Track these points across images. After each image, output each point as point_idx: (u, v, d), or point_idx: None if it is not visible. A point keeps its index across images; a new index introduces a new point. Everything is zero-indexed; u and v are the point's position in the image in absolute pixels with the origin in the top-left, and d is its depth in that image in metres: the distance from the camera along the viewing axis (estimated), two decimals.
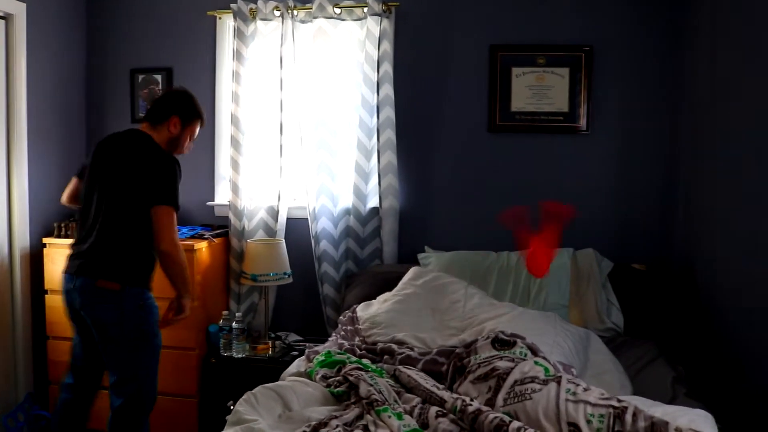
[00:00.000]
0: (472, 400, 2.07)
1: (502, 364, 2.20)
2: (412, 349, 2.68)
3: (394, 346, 2.70)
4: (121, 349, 2.81)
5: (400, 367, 2.45)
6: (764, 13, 2.59)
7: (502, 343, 2.37)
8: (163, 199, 2.71)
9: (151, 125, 2.89)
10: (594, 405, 1.84)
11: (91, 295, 2.76)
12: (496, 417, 1.90)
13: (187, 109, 2.94)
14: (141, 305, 2.80)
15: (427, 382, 2.27)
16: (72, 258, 2.85)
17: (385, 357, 2.65)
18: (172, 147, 2.91)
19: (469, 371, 2.29)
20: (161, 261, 2.80)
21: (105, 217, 2.76)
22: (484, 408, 1.99)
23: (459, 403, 2.04)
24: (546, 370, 2.07)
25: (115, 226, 2.75)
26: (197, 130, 3.02)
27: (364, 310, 3.16)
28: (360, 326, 3.02)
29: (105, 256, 2.75)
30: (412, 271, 3.36)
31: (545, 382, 2.00)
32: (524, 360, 2.22)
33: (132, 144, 2.82)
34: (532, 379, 2.05)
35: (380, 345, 2.76)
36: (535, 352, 2.32)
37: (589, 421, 1.81)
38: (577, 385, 1.94)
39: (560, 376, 1.99)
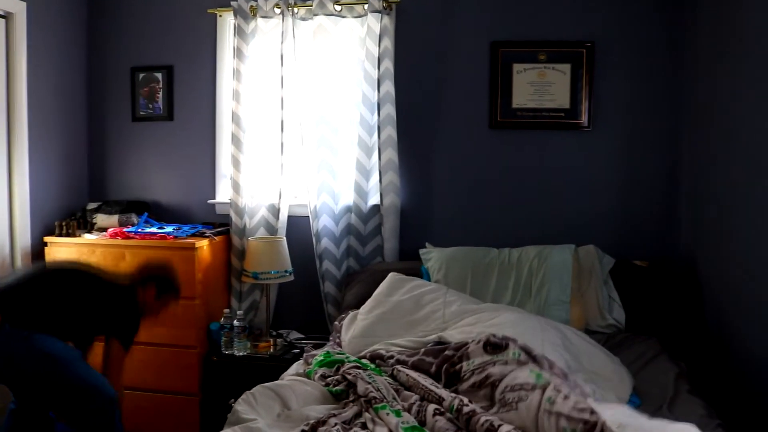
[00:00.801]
0: (469, 401, 2.06)
1: (496, 371, 2.17)
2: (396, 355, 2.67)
3: (383, 352, 2.68)
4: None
5: (398, 366, 2.45)
6: (766, 8, 2.57)
7: (494, 346, 2.32)
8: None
9: None
10: (568, 418, 1.81)
11: None
12: (487, 420, 1.89)
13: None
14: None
15: (426, 380, 2.26)
16: None
17: (377, 361, 2.64)
18: None
19: (463, 378, 2.26)
20: None
21: None
22: (479, 410, 1.98)
23: (456, 402, 2.03)
24: (538, 376, 2.04)
25: None
26: None
27: (345, 332, 3.10)
28: (344, 348, 2.99)
29: None
30: (386, 283, 3.28)
31: (533, 389, 1.98)
32: (521, 364, 2.18)
33: None
34: (521, 387, 2.01)
35: (368, 354, 2.74)
36: (529, 352, 2.29)
37: None
38: (559, 392, 1.90)
39: (548, 384, 1.97)
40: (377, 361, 2.62)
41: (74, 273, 2.89)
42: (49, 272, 2.92)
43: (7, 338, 2.60)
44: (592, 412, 1.78)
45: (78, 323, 2.78)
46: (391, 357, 2.59)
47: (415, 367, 2.47)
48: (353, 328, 3.05)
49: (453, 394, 2.13)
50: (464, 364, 2.32)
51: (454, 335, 2.68)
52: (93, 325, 2.82)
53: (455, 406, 2.02)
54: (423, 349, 2.58)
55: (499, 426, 1.85)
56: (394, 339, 2.84)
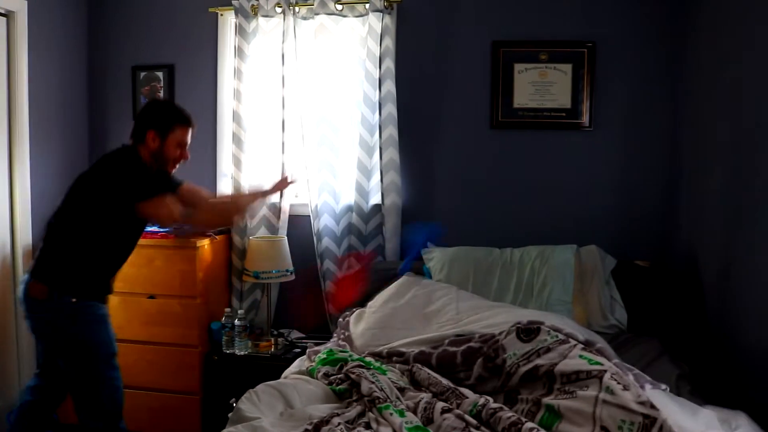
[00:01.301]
0: (495, 401, 2.06)
1: (543, 360, 2.15)
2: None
3: (403, 349, 2.67)
4: (64, 362, 2.75)
5: (417, 365, 2.44)
6: (766, 9, 2.58)
7: (527, 332, 2.31)
8: (136, 198, 2.62)
9: (135, 143, 2.80)
10: (628, 411, 1.80)
11: (26, 305, 2.72)
12: (512, 416, 1.89)
13: (160, 120, 2.78)
14: (72, 316, 2.69)
15: (446, 380, 2.26)
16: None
17: (394, 358, 2.63)
18: (160, 161, 2.80)
19: (509, 372, 2.22)
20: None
21: (54, 223, 2.74)
22: (506, 408, 1.98)
23: (482, 401, 2.03)
24: (589, 360, 2.05)
25: (57, 232, 2.72)
26: (185, 135, 2.84)
27: (355, 326, 3.09)
28: (355, 344, 2.96)
29: (40, 260, 2.72)
30: (398, 282, 3.29)
31: (588, 376, 1.97)
32: (562, 343, 2.18)
33: (110, 155, 2.76)
34: (577, 375, 2.00)
35: (385, 351, 2.73)
36: (560, 330, 2.29)
37: (620, 427, 1.79)
38: (617, 382, 1.90)
39: (604, 371, 1.97)
40: (394, 358, 2.61)
41: None
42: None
43: (57, 306, 2.67)
44: (652, 406, 1.78)
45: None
46: (412, 350, 2.57)
47: (440, 359, 2.46)
48: (365, 320, 3.04)
49: (477, 394, 2.13)
50: (506, 357, 2.28)
51: (475, 329, 2.66)
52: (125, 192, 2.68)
53: (478, 404, 2.01)
54: (447, 340, 2.56)
55: (525, 422, 1.85)
56: (410, 330, 2.84)
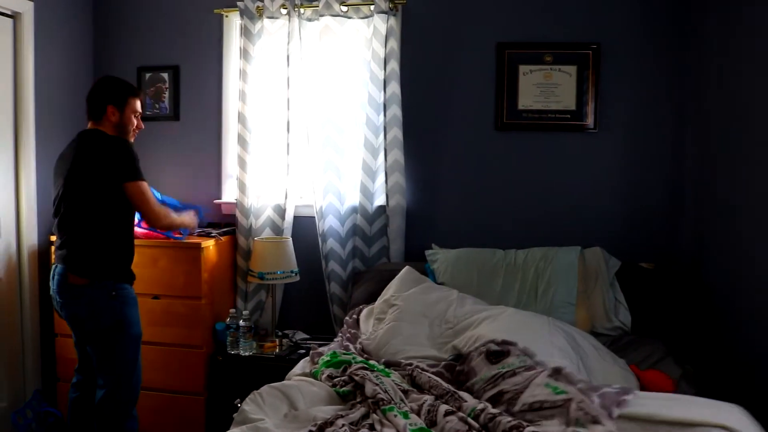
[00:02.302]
0: (494, 407, 2.06)
1: (507, 386, 2.16)
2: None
3: (402, 361, 2.68)
4: (98, 343, 2.90)
5: (420, 365, 2.45)
6: None
7: (496, 354, 2.33)
8: (128, 177, 2.81)
9: (95, 122, 2.97)
10: None
11: (65, 293, 2.86)
12: (511, 420, 1.89)
13: (116, 93, 2.96)
14: (114, 296, 2.86)
15: (447, 384, 2.27)
16: (55, 250, 2.98)
17: (392, 367, 2.64)
18: (122, 132, 2.97)
19: (477, 397, 2.23)
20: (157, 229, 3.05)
21: (68, 217, 2.87)
22: (504, 414, 1.98)
23: (480, 405, 2.03)
24: (554, 389, 2.04)
25: (78, 224, 2.85)
26: (137, 105, 3.03)
27: (365, 322, 3.14)
28: (363, 341, 2.98)
29: (73, 252, 2.85)
30: (400, 278, 3.32)
31: (553, 407, 1.96)
32: (529, 370, 2.17)
33: (84, 143, 2.89)
34: (541, 405, 2.00)
35: (383, 360, 2.75)
36: (531, 356, 2.29)
37: None
38: (585, 413, 1.87)
39: (570, 400, 1.96)
40: (392, 367, 2.62)
41: None
42: None
43: (97, 288, 2.84)
44: None
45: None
46: (410, 365, 2.58)
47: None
48: (371, 322, 3.12)
49: (476, 400, 2.13)
50: (474, 381, 2.30)
51: (462, 343, 2.67)
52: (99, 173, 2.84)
53: (476, 408, 2.01)
54: (443, 363, 2.58)
55: (526, 426, 1.85)
56: (416, 333, 2.87)
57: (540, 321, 2.78)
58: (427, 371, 2.43)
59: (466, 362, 2.43)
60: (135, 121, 3.02)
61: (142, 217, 2.93)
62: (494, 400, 2.15)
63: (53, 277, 2.93)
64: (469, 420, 1.95)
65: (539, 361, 2.27)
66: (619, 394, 2.04)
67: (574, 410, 1.90)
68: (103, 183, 2.80)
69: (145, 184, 2.86)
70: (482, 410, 2.00)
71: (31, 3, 3.58)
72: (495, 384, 2.21)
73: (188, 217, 3.23)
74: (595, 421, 1.83)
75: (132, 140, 3.02)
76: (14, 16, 3.52)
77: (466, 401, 2.09)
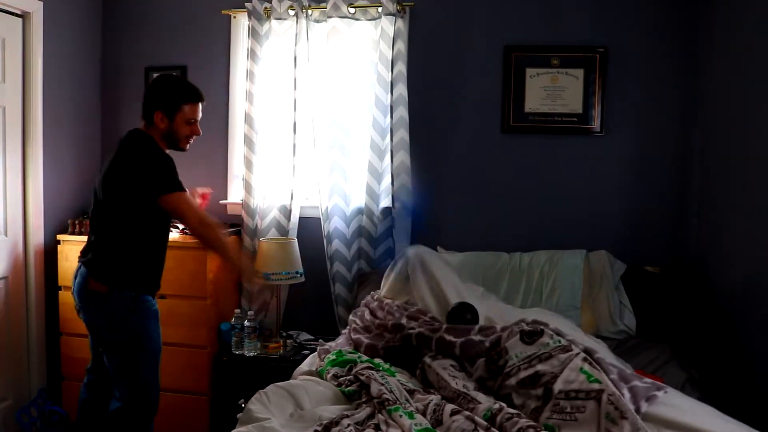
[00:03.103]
0: (510, 407, 2.05)
1: (545, 368, 2.14)
2: (436, 324, 2.63)
3: (404, 322, 2.66)
4: (113, 353, 2.77)
5: (429, 362, 2.44)
6: None
7: (530, 334, 2.30)
8: (164, 189, 2.64)
9: (146, 125, 2.79)
10: None
11: (84, 298, 2.75)
12: (529, 422, 1.89)
13: (167, 99, 2.75)
14: (133, 308, 2.72)
15: (457, 383, 2.25)
16: (82, 249, 2.87)
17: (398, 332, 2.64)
18: (171, 141, 2.80)
19: (508, 373, 2.22)
20: (200, 240, 2.79)
21: (99, 218, 2.76)
22: (523, 415, 1.98)
23: (496, 407, 2.02)
24: (588, 376, 2.04)
25: (106, 228, 2.73)
26: (194, 112, 2.80)
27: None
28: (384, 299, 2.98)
29: (97, 257, 2.73)
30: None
31: (587, 397, 1.96)
32: (565, 351, 2.17)
33: (125, 144, 2.74)
34: (576, 394, 1.99)
35: (409, 311, 2.75)
36: (562, 336, 2.27)
37: None
38: (615, 408, 1.88)
39: (601, 391, 1.96)
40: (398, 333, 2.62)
41: None
42: None
43: (116, 298, 2.70)
44: None
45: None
46: (412, 329, 2.56)
47: (438, 347, 2.46)
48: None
49: (491, 399, 2.12)
50: (508, 359, 2.27)
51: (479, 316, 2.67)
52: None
53: (492, 411, 2.01)
54: (444, 326, 2.55)
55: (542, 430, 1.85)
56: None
57: (560, 319, 2.79)
58: (438, 369, 2.39)
59: (492, 336, 2.40)
60: (189, 129, 2.80)
61: (186, 225, 2.73)
62: (531, 381, 2.14)
63: (75, 278, 2.81)
64: (476, 419, 1.95)
65: (571, 339, 2.26)
66: (649, 389, 2.05)
67: (605, 403, 1.89)
68: (134, 194, 2.65)
69: (183, 195, 2.67)
70: (499, 410, 1.99)
71: (41, 3, 3.59)
72: (530, 364, 2.19)
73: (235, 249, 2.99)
74: (623, 417, 1.83)
75: (186, 149, 2.85)
76: (23, 16, 3.54)
77: (480, 402, 2.09)
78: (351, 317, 3.17)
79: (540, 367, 2.16)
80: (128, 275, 2.73)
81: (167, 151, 2.82)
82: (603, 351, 2.69)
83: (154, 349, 2.83)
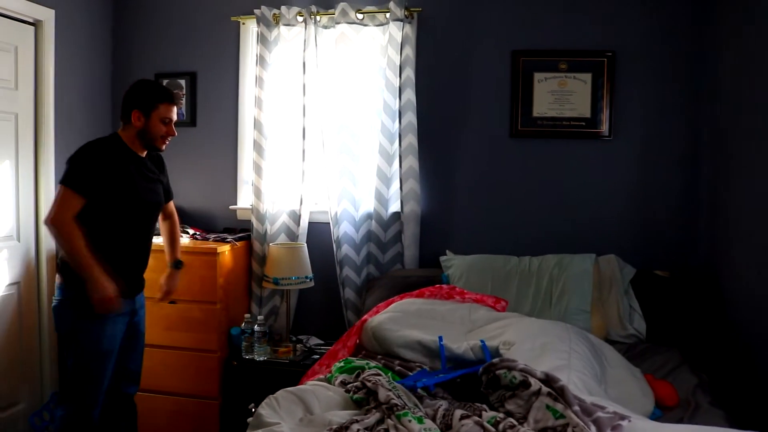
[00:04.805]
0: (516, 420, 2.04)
1: (511, 407, 2.10)
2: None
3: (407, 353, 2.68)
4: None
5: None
6: None
7: (487, 385, 2.25)
8: (62, 179, 2.68)
9: (122, 126, 2.89)
10: None
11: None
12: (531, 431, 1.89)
13: (144, 98, 2.84)
14: (72, 304, 2.72)
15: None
16: None
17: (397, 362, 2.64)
18: (147, 139, 2.86)
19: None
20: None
21: None
22: (524, 427, 1.97)
23: (501, 415, 2.01)
24: (554, 413, 2.01)
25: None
26: (168, 112, 2.87)
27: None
28: (369, 326, 2.93)
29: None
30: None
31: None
32: (530, 393, 2.11)
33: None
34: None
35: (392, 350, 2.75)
36: (514, 369, 2.18)
37: None
38: None
39: (567, 425, 1.93)
40: (397, 362, 2.62)
41: None
42: None
43: (61, 292, 2.78)
44: None
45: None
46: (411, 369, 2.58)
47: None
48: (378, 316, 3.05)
49: (494, 411, 2.12)
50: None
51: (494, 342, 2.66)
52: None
53: (498, 416, 2.00)
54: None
55: None
56: (424, 326, 2.84)
57: (560, 328, 2.76)
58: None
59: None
60: (164, 128, 2.87)
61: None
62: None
63: None
64: (485, 424, 1.95)
65: (524, 368, 2.18)
66: (613, 419, 1.99)
67: None
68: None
69: (64, 189, 2.65)
70: (503, 419, 1.99)
71: (53, 11, 3.63)
72: (502, 404, 2.18)
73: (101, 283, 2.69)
74: None
75: (163, 148, 2.91)
76: (36, 24, 3.58)
77: (486, 410, 2.08)
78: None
79: (509, 406, 2.13)
80: (71, 270, 2.73)
81: (143, 153, 2.91)
82: (612, 356, 2.70)
83: (91, 350, 2.75)
